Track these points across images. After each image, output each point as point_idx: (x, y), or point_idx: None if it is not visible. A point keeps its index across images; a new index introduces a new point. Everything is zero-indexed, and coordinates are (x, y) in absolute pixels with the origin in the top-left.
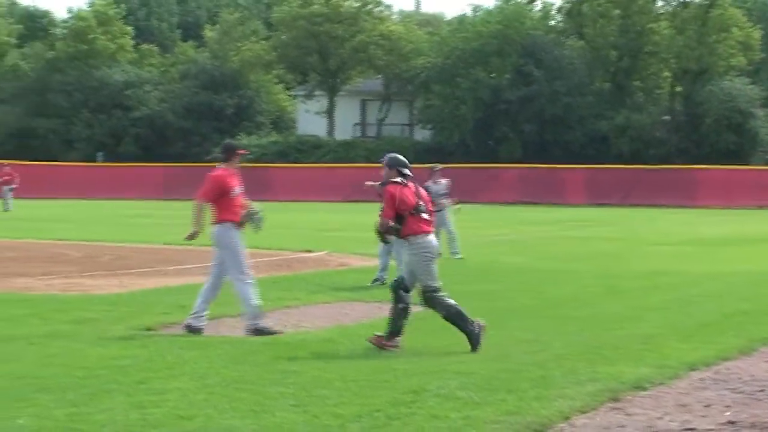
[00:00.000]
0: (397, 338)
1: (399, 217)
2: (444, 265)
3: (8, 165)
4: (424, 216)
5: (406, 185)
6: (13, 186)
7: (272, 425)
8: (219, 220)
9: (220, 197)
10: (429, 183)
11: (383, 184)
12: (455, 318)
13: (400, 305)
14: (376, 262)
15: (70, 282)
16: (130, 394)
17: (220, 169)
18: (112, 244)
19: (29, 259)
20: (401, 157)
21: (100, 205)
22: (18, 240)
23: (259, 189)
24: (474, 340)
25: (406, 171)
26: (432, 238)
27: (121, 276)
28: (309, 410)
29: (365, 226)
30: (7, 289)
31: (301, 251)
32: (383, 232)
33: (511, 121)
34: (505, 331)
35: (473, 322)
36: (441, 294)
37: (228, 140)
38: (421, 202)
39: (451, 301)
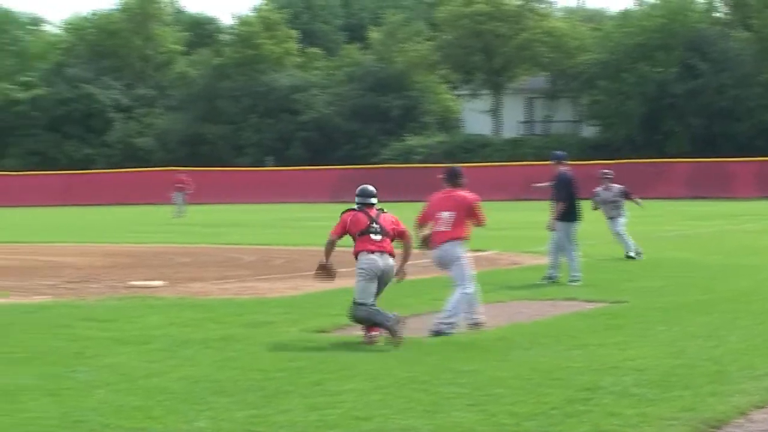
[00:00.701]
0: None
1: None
2: (616, 264)
3: (184, 172)
4: (373, 237)
5: (361, 211)
6: (187, 192)
7: (449, 425)
8: (453, 238)
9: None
10: (599, 189)
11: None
12: (366, 321)
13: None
14: (546, 260)
15: (244, 285)
16: (306, 396)
17: (469, 193)
18: (285, 248)
19: (203, 263)
20: (368, 189)
21: (271, 209)
22: (192, 245)
23: (427, 189)
24: (392, 331)
25: (369, 201)
26: (374, 257)
27: (295, 278)
28: (485, 409)
29: (535, 224)
30: (183, 294)
31: (472, 250)
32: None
33: (678, 115)
34: (679, 327)
35: (389, 317)
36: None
37: (453, 166)
38: (374, 225)
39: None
